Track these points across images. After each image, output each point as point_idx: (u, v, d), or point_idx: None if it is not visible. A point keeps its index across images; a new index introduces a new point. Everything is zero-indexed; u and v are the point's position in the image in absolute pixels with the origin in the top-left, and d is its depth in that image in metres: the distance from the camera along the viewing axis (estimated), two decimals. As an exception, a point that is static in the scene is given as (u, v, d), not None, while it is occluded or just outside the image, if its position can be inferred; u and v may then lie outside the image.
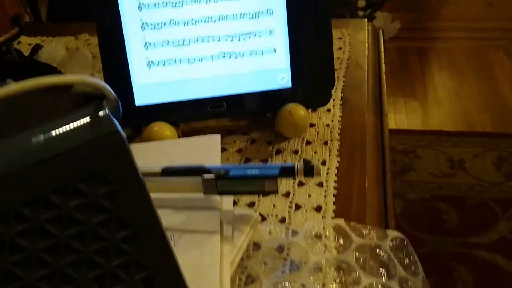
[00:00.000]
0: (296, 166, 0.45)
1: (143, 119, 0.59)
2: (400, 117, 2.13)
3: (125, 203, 0.33)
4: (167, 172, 0.45)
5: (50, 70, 0.69)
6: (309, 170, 0.45)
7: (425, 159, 1.87)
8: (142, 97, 0.59)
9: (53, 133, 0.31)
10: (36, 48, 0.75)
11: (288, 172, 0.45)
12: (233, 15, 0.58)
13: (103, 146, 0.32)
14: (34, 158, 0.31)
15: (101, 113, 0.33)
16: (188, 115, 0.61)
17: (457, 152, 1.89)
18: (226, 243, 0.44)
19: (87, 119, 0.32)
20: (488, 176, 1.77)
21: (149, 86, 0.59)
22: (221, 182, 0.44)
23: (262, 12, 0.58)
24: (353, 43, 0.84)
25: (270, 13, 0.58)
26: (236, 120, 0.66)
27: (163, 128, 0.58)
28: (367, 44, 0.84)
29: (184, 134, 0.61)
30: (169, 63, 0.58)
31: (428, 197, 1.71)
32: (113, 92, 0.34)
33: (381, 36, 0.90)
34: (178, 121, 0.61)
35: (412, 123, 2.09)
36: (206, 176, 0.44)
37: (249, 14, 0.58)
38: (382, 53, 0.83)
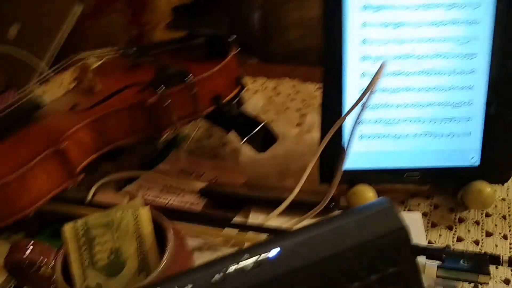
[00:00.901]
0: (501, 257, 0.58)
1: (347, 181, 0.71)
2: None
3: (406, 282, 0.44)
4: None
5: (258, 124, 0.82)
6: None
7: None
8: (349, 162, 0.71)
9: (353, 226, 0.44)
10: (241, 100, 0.88)
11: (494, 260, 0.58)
12: (436, 102, 0.68)
13: (392, 240, 0.44)
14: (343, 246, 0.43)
15: (390, 212, 0.45)
16: (386, 180, 0.72)
17: None
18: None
19: (380, 216, 0.44)
20: None
21: (357, 154, 0.70)
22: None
23: (462, 103, 0.68)
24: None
25: (470, 103, 0.68)
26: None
27: (367, 190, 0.70)
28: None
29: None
30: (378, 137, 0.69)
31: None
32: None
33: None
34: (376, 184, 0.72)
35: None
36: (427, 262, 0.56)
37: (450, 102, 0.68)
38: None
